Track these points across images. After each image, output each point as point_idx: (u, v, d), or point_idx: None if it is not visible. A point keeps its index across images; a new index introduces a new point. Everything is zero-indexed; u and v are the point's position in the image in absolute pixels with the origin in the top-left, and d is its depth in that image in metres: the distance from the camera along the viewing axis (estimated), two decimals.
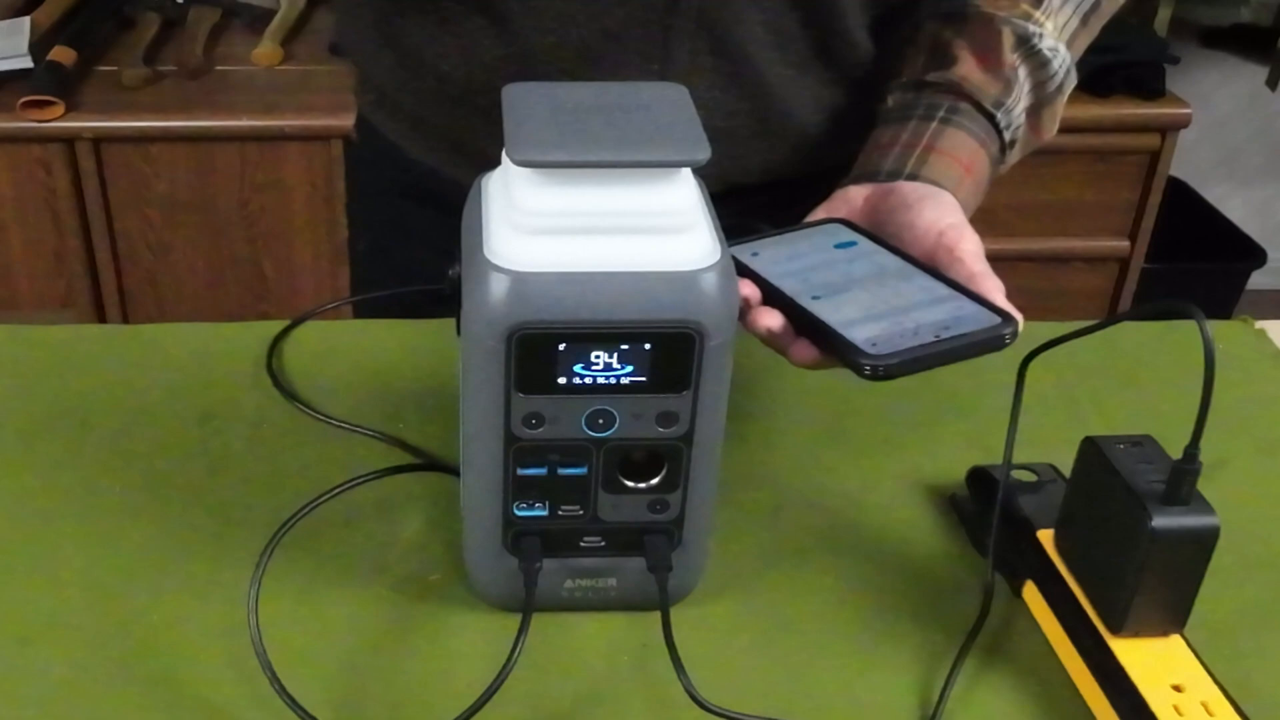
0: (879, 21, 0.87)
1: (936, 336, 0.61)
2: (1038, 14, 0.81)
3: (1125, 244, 2.17)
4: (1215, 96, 2.60)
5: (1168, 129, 2.06)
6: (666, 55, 0.82)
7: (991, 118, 0.79)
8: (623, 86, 0.65)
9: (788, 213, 0.76)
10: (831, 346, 0.63)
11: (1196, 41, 2.53)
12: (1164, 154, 2.08)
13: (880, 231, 0.72)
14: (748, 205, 0.88)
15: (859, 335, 0.62)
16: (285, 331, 0.87)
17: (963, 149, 0.77)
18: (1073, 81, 0.83)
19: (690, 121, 0.57)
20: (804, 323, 0.65)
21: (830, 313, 0.64)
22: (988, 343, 0.62)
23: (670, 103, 0.59)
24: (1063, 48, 0.82)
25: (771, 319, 0.66)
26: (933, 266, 0.68)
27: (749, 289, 0.67)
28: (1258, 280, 2.47)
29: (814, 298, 0.66)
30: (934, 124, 0.78)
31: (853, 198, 0.76)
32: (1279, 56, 2.37)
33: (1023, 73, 0.80)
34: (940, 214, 0.71)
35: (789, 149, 0.73)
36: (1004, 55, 0.80)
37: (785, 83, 0.86)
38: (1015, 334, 0.62)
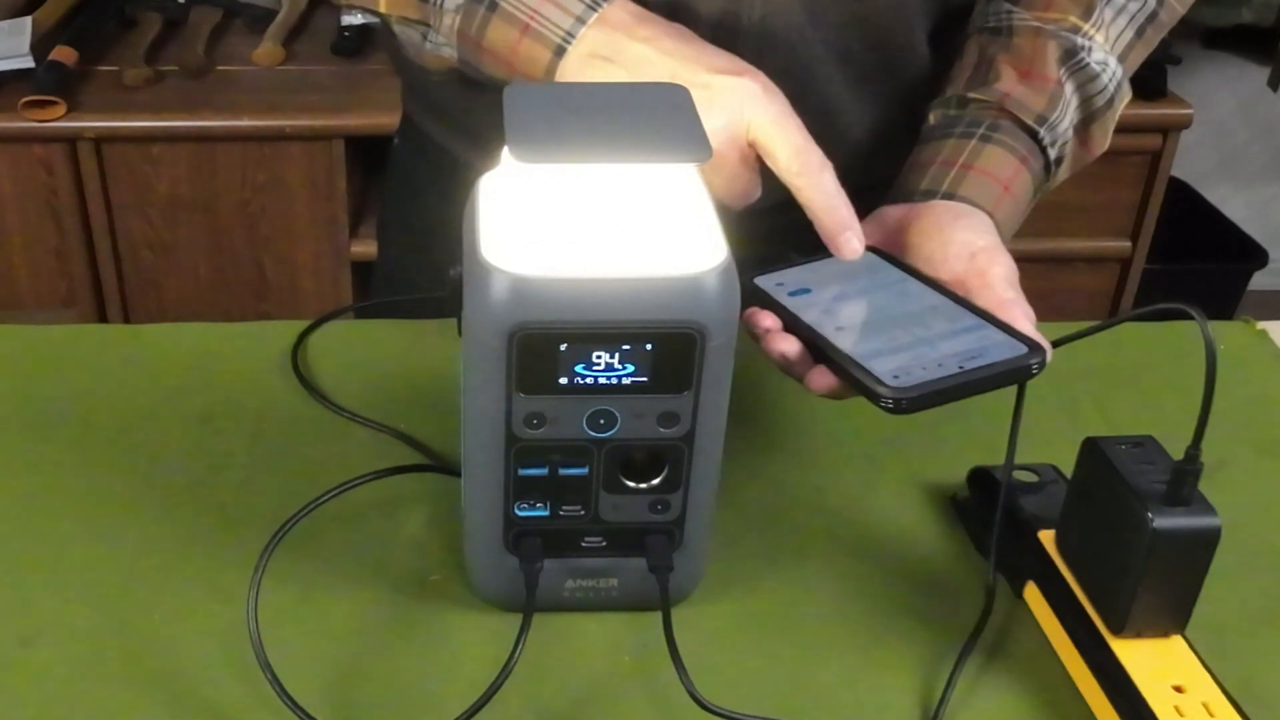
0: (939, 30, 0.86)
1: (961, 367, 0.61)
2: (1087, 26, 0.79)
3: (1127, 244, 2.16)
4: (1216, 97, 2.60)
5: (1169, 129, 2.05)
6: None
7: (1034, 134, 0.78)
8: (623, 86, 0.65)
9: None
10: (853, 378, 0.62)
11: (1198, 42, 2.52)
12: (1165, 154, 2.07)
13: (914, 253, 0.71)
14: (805, 216, 0.87)
15: (881, 367, 0.61)
16: (309, 330, 0.87)
17: (1002, 167, 0.76)
18: (1126, 95, 0.81)
19: (690, 121, 0.57)
20: (826, 354, 0.64)
21: (853, 344, 0.63)
22: (1013, 373, 0.61)
23: (670, 103, 0.59)
24: (1113, 61, 0.80)
25: (787, 344, 0.65)
26: (962, 293, 0.67)
27: (770, 320, 0.66)
28: (1259, 281, 2.47)
29: (837, 328, 0.65)
30: (973, 141, 0.77)
31: (887, 219, 0.75)
32: None
33: (1069, 87, 0.79)
34: (973, 236, 0.70)
35: (849, 161, 0.73)
36: (1049, 70, 0.78)
37: (845, 97, 0.85)
38: (1043, 364, 0.62)
